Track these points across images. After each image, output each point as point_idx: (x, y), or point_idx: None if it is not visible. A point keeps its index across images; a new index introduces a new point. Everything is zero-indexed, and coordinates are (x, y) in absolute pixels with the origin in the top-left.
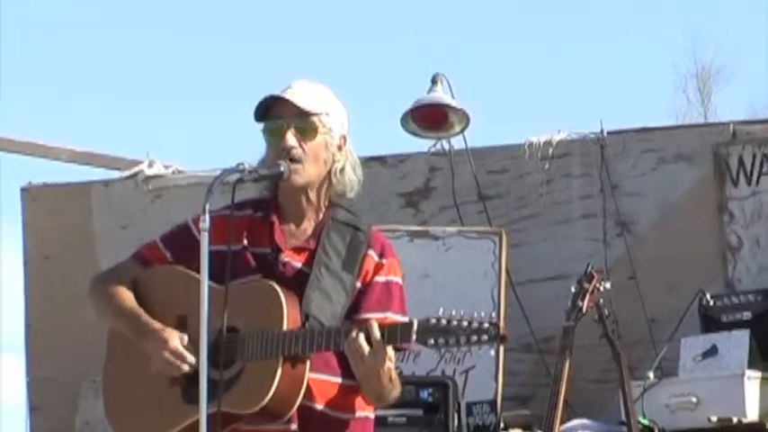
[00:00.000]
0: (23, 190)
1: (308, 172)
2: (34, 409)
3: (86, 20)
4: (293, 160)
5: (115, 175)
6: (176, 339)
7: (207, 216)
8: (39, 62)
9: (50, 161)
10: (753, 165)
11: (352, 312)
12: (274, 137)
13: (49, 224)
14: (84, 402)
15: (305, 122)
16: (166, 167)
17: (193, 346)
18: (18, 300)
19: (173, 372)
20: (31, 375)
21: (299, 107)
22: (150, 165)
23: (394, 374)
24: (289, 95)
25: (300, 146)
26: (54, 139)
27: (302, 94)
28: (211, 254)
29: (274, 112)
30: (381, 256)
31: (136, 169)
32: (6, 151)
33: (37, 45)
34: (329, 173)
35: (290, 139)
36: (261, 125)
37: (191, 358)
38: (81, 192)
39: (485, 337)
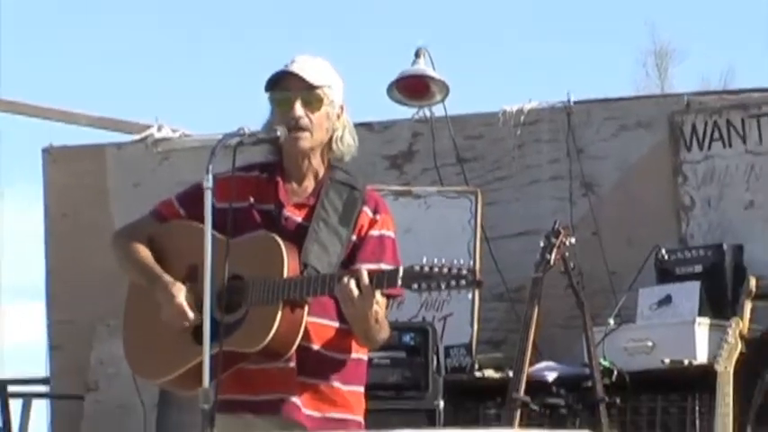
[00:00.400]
0: (44, 151)
1: (314, 138)
2: (54, 348)
3: None
4: (301, 128)
5: (127, 138)
6: (182, 295)
7: (210, 176)
8: (59, 33)
9: (69, 125)
10: (704, 132)
11: (349, 263)
12: (282, 107)
13: (67, 182)
14: (99, 343)
15: (311, 95)
16: (174, 131)
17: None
18: (39, 251)
19: (177, 324)
20: (51, 318)
21: (306, 81)
22: (159, 129)
23: (381, 317)
24: (296, 69)
25: (307, 115)
26: (72, 105)
27: (308, 69)
28: (221, 210)
29: (283, 84)
30: (375, 212)
31: (146, 133)
32: (29, 116)
33: (56, 18)
34: (330, 139)
35: (299, 109)
36: (268, 95)
37: (191, 315)
38: (96, 153)
39: (463, 282)
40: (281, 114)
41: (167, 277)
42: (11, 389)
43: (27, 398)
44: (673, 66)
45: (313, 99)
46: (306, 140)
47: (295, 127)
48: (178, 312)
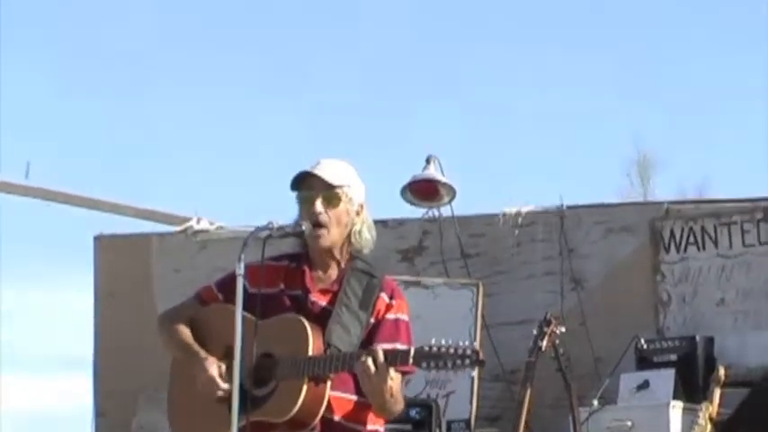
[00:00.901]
0: (96, 239)
1: (331, 234)
2: (99, 415)
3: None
4: (320, 225)
5: (170, 228)
6: (214, 368)
7: (242, 264)
8: (107, 129)
9: (117, 216)
10: (681, 236)
11: (367, 343)
12: (306, 204)
13: (115, 267)
14: (140, 411)
15: (330, 193)
16: (211, 224)
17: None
18: (89, 329)
19: (209, 394)
20: (97, 388)
21: (326, 181)
22: (198, 221)
23: (396, 391)
24: (318, 171)
25: (326, 212)
26: (120, 197)
27: (329, 170)
28: (255, 295)
29: (306, 183)
30: (391, 297)
31: (186, 225)
32: (82, 206)
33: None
34: (349, 233)
35: (319, 206)
36: (295, 193)
37: (222, 385)
38: (142, 242)
39: (467, 361)
40: (304, 210)
41: (203, 353)
42: None
43: None
44: (654, 175)
45: (332, 197)
46: (324, 238)
47: (316, 222)
48: (209, 382)
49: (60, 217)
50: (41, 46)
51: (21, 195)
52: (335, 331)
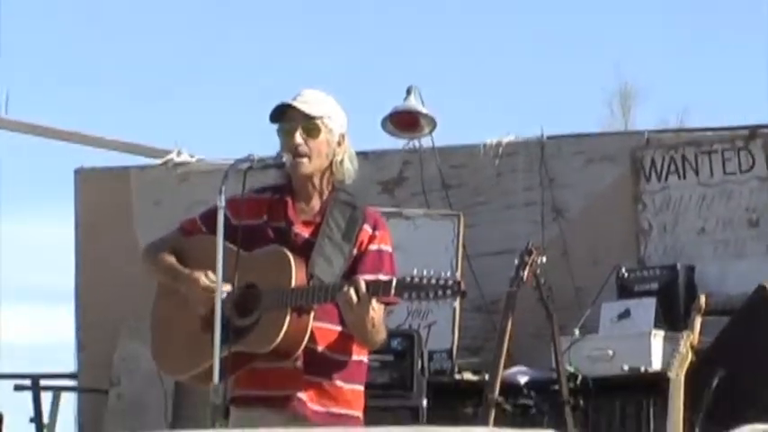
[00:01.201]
0: (77, 172)
1: (312, 163)
2: (81, 347)
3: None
4: (300, 155)
5: (150, 161)
6: (204, 278)
7: (222, 196)
8: (92, 64)
9: (98, 149)
10: (662, 165)
11: (350, 274)
12: (286, 136)
13: (96, 199)
14: (121, 342)
15: (310, 124)
16: (191, 156)
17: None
18: (70, 262)
19: (207, 303)
20: (79, 321)
21: (305, 112)
22: (179, 154)
23: (378, 322)
24: (297, 103)
25: (306, 143)
26: (100, 131)
27: (308, 102)
28: (238, 227)
29: (286, 115)
30: (374, 228)
31: (167, 158)
32: (64, 140)
33: (87, 51)
34: (331, 164)
35: (298, 137)
36: (276, 126)
37: (224, 286)
38: (122, 175)
39: (449, 291)
40: (285, 142)
41: (188, 270)
42: (42, 382)
43: (57, 391)
44: (635, 106)
45: (312, 128)
46: (305, 166)
47: (296, 153)
48: (205, 291)
49: (40, 150)
50: None
51: (1, 128)
52: (318, 263)
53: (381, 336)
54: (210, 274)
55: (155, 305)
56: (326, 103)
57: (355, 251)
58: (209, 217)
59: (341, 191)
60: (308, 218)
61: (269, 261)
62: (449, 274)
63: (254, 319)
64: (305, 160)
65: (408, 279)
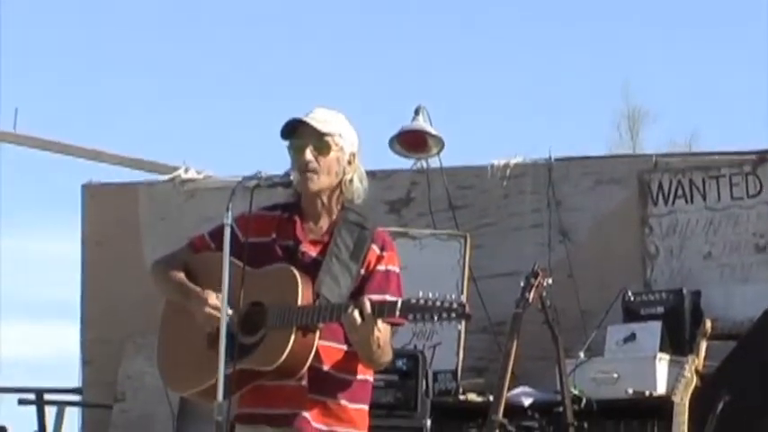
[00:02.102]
0: (84, 187)
1: (321, 181)
2: (86, 362)
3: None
4: (310, 171)
5: (158, 177)
6: (213, 297)
7: (230, 213)
8: (101, 79)
9: (106, 165)
10: (669, 189)
11: (357, 294)
12: (296, 152)
13: (103, 215)
14: (126, 359)
15: (320, 142)
16: (199, 173)
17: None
18: (77, 277)
19: (213, 323)
20: (84, 336)
21: (316, 129)
22: (186, 170)
23: (383, 342)
24: (309, 119)
25: (316, 160)
26: (108, 146)
27: (320, 119)
28: (248, 244)
29: (297, 132)
30: (382, 249)
31: (174, 174)
32: (72, 155)
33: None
34: (340, 182)
35: (308, 154)
36: (286, 142)
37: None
38: (130, 190)
39: (453, 314)
40: (295, 159)
41: (199, 289)
42: (47, 397)
43: (61, 405)
44: (643, 129)
45: (323, 145)
46: (313, 182)
47: (306, 170)
48: (213, 310)
49: (49, 165)
50: None
51: (10, 143)
52: (325, 282)
53: (387, 357)
54: (219, 296)
55: (162, 320)
56: (338, 122)
57: (363, 271)
58: (218, 234)
59: (350, 210)
60: (316, 237)
61: (276, 279)
62: (454, 296)
63: (260, 336)
64: (314, 177)
65: (413, 301)
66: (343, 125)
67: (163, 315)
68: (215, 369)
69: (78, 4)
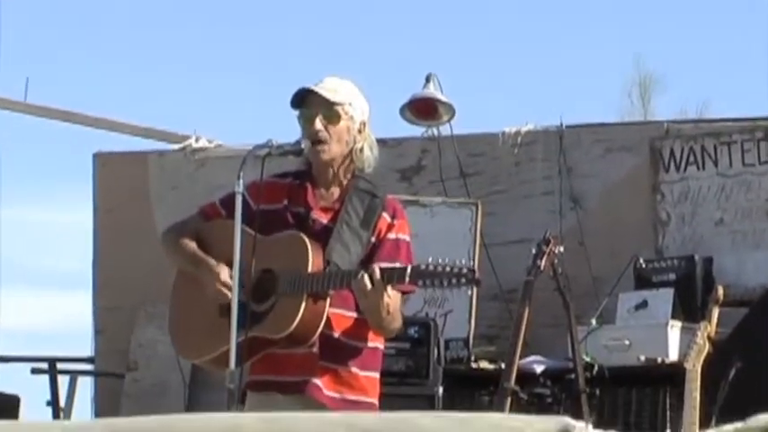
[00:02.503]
0: (95, 156)
1: (332, 150)
2: (98, 331)
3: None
4: (320, 141)
5: (168, 146)
6: (225, 273)
7: (241, 181)
8: (110, 48)
9: (117, 133)
10: (681, 156)
11: (368, 262)
12: (306, 122)
13: (114, 184)
14: (138, 327)
15: (330, 111)
16: (210, 142)
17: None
18: (88, 246)
19: (222, 299)
20: (96, 305)
21: (326, 98)
22: (197, 139)
23: (393, 309)
24: (318, 89)
25: (326, 129)
26: (120, 115)
27: (330, 88)
28: (259, 211)
29: (307, 101)
30: (393, 217)
31: (185, 143)
32: (81, 124)
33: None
34: (351, 151)
35: (318, 123)
36: (297, 112)
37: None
38: (140, 159)
39: (463, 279)
40: (305, 128)
41: (212, 260)
42: (59, 366)
43: (74, 375)
44: (655, 96)
45: (332, 114)
46: (325, 153)
47: (316, 139)
48: (224, 287)
49: (59, 135)
50: None
51: (20, 113)
52: (336, 249)
53: (397, 324)
54: (230, 271)
55: (174, 288)
56: (348, 91)
57: (373, 239)
58: (229, 201)
59: (361, 178)
60: (327, 204)
61: (286, 246)
62: (464, 262)
63: (270, 304)
64: (325, 146)
65: (423, 267)
66: (354, 94)
67: (175, 283)
68: (226, 337)
69: None
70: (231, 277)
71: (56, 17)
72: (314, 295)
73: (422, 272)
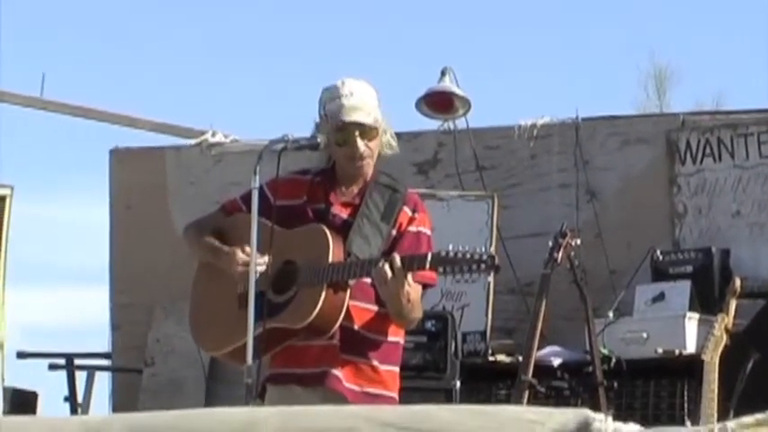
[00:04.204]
0: (112, 152)
1: (372, 163)
2: (115, 327)
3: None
4: (363, 158)
5: (185, 142)
6: (240, 252)
7: (257, 176)
8: (127, 45)
9: (133, 129)
10: (697, 148)
11: (388, 255)
12: (347, 139)
13: (130, 179)
14: (156, 323)
15: (370, 131)
16: (226, 137)
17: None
18: (105, 242)
19: (245, 277)
20: (113, 301)
21: (365, 124)
22: (213, 135)
23: (413, 298)
24: (361, 118)
25: (367, 146)
26: (136, 111)
27: (365, 107)
28: (279, 207)
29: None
30: (414, 211)
31: (202, 138)
32: (98, 120)
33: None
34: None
35: (361, 145)
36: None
37: (260, 258)
38: (157, 155)
39: (483, 265)
40: (343, 141)
41: (227, 247)
42: (77, 362)
43: (91, 370)
44: (671, 88)
45: (372, 135)
46: (369, 166)
47: (359, 158)
48: (242, 264)
49: (76, 130)
50: None
51: (37, 109)
52: (356, 241)
53: (417, 313)
54: (247, 248)
55: (195, 282)
56: (374, 101)
57: (394, 232)
58: (250, 197)
59: (382, 173)
60: (347, 199)
61: (307, 238)
62: (483, 249)
63: (291, 294)
64: (369, 161)
65: (443, 253)
66: (375, 101)
67: (195, 277)
68: (245, 329)
69: None
70: (249, 255)
71: (71, 13)
72: (334, 286)
73: (442, 258)
